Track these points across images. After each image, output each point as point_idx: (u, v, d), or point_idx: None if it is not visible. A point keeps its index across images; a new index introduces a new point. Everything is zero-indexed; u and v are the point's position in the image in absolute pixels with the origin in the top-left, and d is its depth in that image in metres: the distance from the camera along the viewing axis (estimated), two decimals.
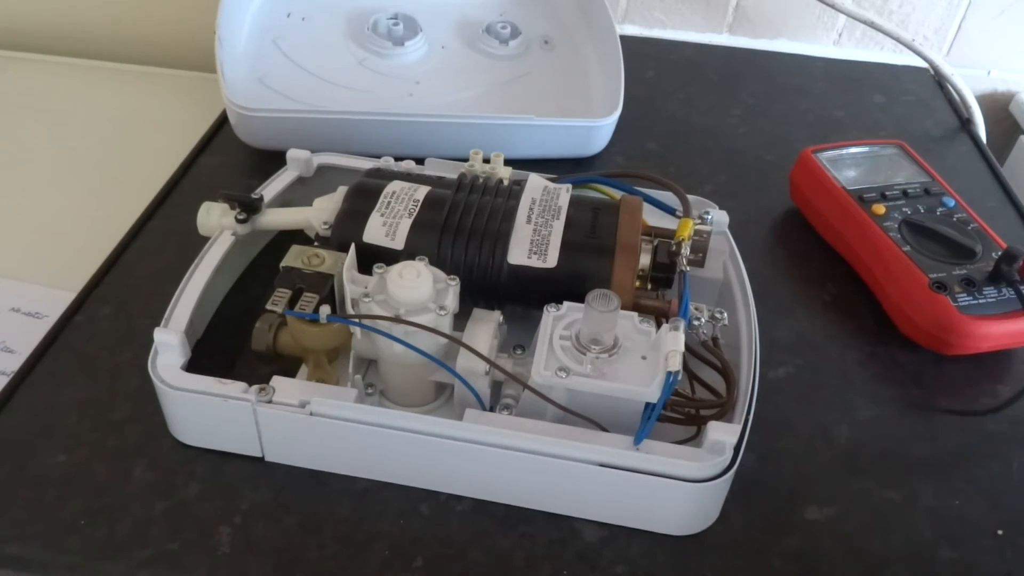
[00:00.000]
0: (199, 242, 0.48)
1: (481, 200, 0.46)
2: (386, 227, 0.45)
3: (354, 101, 0.66)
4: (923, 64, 0.81)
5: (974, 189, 0.67)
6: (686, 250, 0.44)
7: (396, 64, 0.70)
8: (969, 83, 0.78)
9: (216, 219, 0.49)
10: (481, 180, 0.48)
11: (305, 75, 0.68)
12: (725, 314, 0.44)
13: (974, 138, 0.74)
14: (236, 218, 0.48)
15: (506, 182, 0.50)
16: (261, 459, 0.43)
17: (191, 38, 0.83)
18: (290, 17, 0.71)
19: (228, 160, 0.63)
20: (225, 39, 0.63)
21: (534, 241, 0.44)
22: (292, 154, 0.54)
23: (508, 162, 0.51)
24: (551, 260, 0.44)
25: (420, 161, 0.54)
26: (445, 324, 0.41)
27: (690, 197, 0.48)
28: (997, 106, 0.88)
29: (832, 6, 0.79)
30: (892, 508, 0.43)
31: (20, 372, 0.47)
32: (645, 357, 0.40)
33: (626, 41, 0.68)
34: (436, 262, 0.44)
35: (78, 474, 0.42)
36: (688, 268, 0.44)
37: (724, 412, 0.41)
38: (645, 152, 0.68)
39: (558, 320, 0.41)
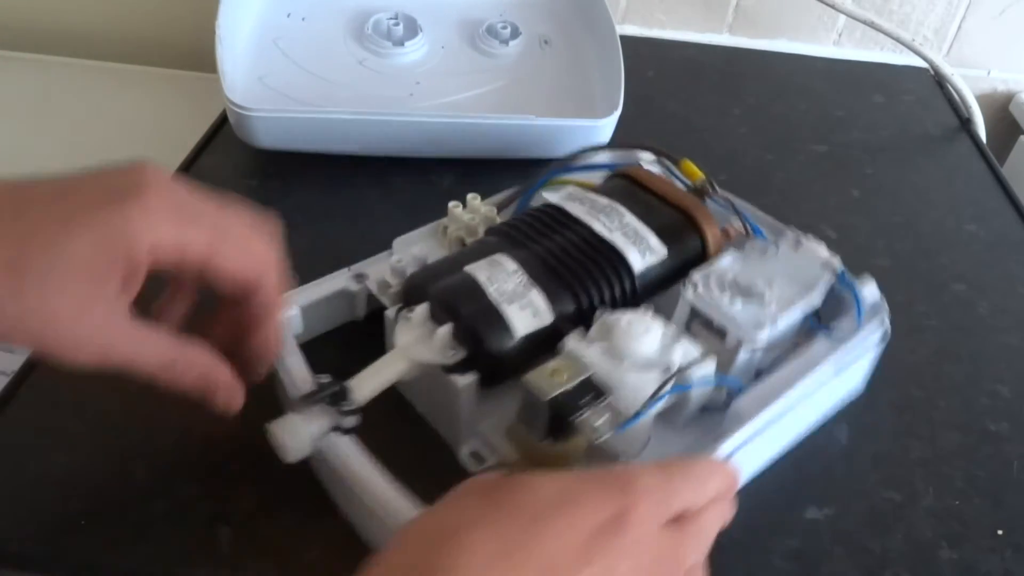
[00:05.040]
0: None
1: (560, 239, 0.45)
2: (525, 310, 0.41)
3: (354, 101, 0.66)
4: (923, 64, 0.81)
5: (974, 189, 0.67)
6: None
7: (396, 64, 0.70)
8: (969, 83, 0.78)
9: (309, 433, 0.37)
10: (528, 222, 0.46)
11: (305, 75, 0.67)
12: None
13: (974, 138, 0.74)
14: (341, 412, 0.38)
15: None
16: (261, 459, 0.43)
17: (191, 38, 0.83)
18: (290, 17, 0.71)
19: (228, 160, 0.63)
20: (225, 39, 0.63)
21: (633, 242, 0.45)
22: None
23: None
24: (660, 251, 0.45)
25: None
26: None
27: None
28: (997, 106, 0.88)
29: (832, 6, 0.79)
30: (892, 508, 0.43)
31: (20, 372, 0.47)
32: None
33: (626, 41, 0.68)
34: (580, 310, 0.42)
35: (78, 474, 0.42)
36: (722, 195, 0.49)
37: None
38: None
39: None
